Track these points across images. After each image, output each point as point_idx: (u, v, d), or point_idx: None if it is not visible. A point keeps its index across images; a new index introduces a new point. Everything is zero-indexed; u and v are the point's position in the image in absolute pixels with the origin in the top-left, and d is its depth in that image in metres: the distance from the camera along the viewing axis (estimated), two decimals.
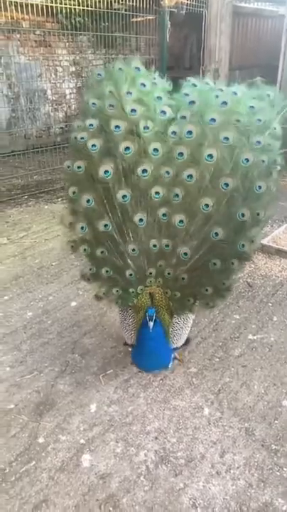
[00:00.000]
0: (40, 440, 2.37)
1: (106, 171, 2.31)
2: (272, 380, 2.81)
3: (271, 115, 2.42)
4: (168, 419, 2.51)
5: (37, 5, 7.28)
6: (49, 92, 8.80)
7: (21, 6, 7.14)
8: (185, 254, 2.41)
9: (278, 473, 2.20)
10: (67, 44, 8.78)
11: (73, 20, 8.33)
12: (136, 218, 2.37)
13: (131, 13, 8.53)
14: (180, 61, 11.18)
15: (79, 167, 2.40)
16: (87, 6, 7.95)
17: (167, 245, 2.43)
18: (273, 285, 3.95)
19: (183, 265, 2.46)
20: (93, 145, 2.34)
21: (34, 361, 2.98)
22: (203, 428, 2.46)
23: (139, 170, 2.30)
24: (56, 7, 7.65)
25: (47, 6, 7.43)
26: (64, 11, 8.05)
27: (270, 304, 3.66)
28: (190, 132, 2.28)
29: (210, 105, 2.34)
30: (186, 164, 2.30)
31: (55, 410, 2.57)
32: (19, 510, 2.02)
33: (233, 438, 2.39)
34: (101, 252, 2.47)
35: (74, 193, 2.44)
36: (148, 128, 2.30)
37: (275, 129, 2.42)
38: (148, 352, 2.56)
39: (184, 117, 2.34)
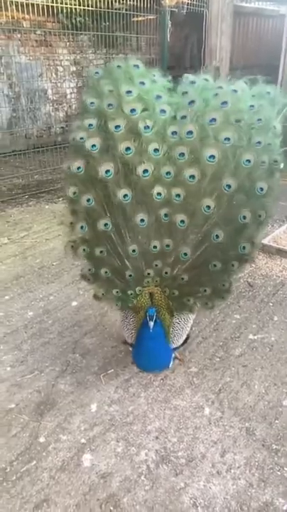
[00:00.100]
0: (41, 440, 2.38)
1: (107, 171, 2.30)
2: (272, 380, 2.81)
3: (271, 114, 2.39)
4: (168, 418, 2.52)
5: (37, 4, 7.28)
6: (50, 91, 8.81)
7: (22, 5, 7.14)
8: (185, 254, 2.40)
9: (279, 473, 2.20)
10: (67, 44, 8.78)
11: (74, 20, 8.33)
12: (137, 219, 2.36)
13: (131, 12, 8.53)
14: (181, 61, 11.17)
15: (78, 168, 2.38)
16: (88, 6, 7.95)
17: (167, 245, 2.42)
18: (274, 285, 3.95)
19: (181, 264, 2.45)
20: (93, 145, 2.32)
21: (35, 361, 2.98)
22: (204, 428, 2.46)
23: (140, 170, 2.28)
24: (57, 7, 7.65)
25: (47, 6, 7.42)
26: (64, 11, 8.06)
27: (270, 304, 3.66)
28: (190, 132, 2.27)
29: (210, 105, 2.32)
30: (187, 164, 2.28)
31: (56, 410, 2.57)
32: (20, 509, 2.02)
33: (233, 438, 2.39)
34: (101, 252, 2.46)
35: (74, 193, 2.43)
36: (148, 128, 2.28)
37: (275, 127, 2.40)
38: (148, 352, 2.56)
39: (184, 117, 2.32)
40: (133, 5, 8.52)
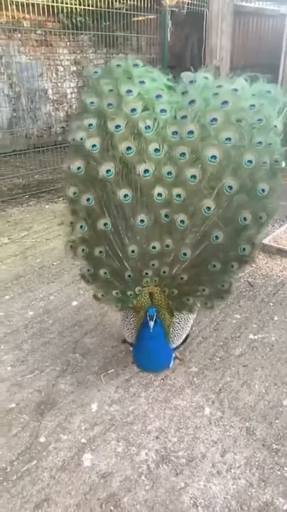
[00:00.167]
0: (42, 439, 2.38)
1: (108, 171, 2.30)
2: (273, 380, 2.81)
3: (271, 113, 2.37)
4: (169, 418, 2.52)
5: (38, 4, 7.28)
6: (50, 91, 8.81)
7: (22, 5, 7.14)
8: (185, 254, 2.40)
9: (279, 473, 2.20)
10: (68, 43, 8.79)
11: (74, 20, 8.34)
12: (137, 219, 2.35)
13: (132, 12, 8.53)
14: (181, 60, 11.16)
15: (79, 168, 2.37)
16: (88, 6, 7.95)
17: (167, 246, 2.41)
18: (274, 285, 3.95)
19: (181, 264, 2.45)
20: (93, 145, 2.32)
21: (35, 360, 2.98)
22: (204, 427, 2.46)
23: (141, 170, 2.27)
24: (57, 6, 7.64)
25: (48, 6, 7.42)
26: (65, 11, 8.06)
27: (271, 304, 3.66)
28: (191, 132, 2.26)
29: (211, 104, 2.30)
30: (188, 164, 2.27)
31: (56, 409, 2.57)
32: (20, 509, 2.03)
33: (234, 437, 2.39)
34: (100, 252, 2.45)
35: (74, 193, 2.42)
36: (149, 127, 2.28)
37: (275, 126, 2.38)
38: (148, 352, 2.55)
39: (185, 117, 2.30)
40: (134, 4, 8.52)
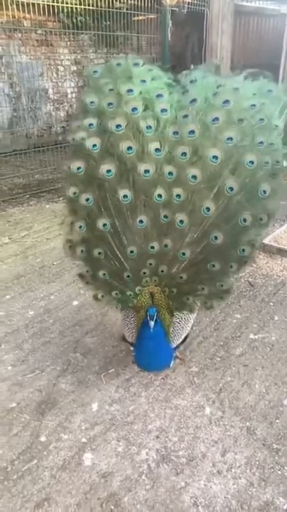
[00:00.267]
0: (42, 439, 2.38)
1: (108, 170, 2.29)
2: (273, 380, 2.81)
3: (273, 112, 2.36)
4: (169, 418, 2.52)
5: (38, 4, 7.28)
6: (50, 91, 8.82)
7: (23, 5, 7.15)
8: (183, 254, 2.39)
9: (279, 472, 2.20)
10: (68, 43, 8.79)
11: (75, 19, 8.34)
12: (136, 219, 2.34)
13: (132, 11, 8.52)
14: (182, 60, 11.15)
15: (79, 168, 2.36)
16: (89, 5, 7.95)
17: (166, 245, 2.40)
18: (275, 284, 3.95)
19: (180, 263, 2.44)
20: (93, 145, 2.31)
21: (36, 360, 2.99)
22: (204, 427, 2.46)
23: (141, 170, 2.26)
24: (57, 6, 7.65)
25: (48, 5, 7.42)
26: (65, 10, 8.06)
27: (271, 304, 3.66)
28: (192, 132, 2.25)
29: (212, 103, 2.29)
30: (189, 164, 2.26)
31: (57, 409, 2.57)
32: (21, 508, 2.03)
33: (234, 437, 2.40)
34: (99, 253, 2.44)
35: (74, 193, 2.41)
36: (150, 127, 2.27)
37: (277, 126, 2.37)
38: (149, 351, 2.55)
39: (186, 116, 2.30)
40: (134, 4, 8.52)
